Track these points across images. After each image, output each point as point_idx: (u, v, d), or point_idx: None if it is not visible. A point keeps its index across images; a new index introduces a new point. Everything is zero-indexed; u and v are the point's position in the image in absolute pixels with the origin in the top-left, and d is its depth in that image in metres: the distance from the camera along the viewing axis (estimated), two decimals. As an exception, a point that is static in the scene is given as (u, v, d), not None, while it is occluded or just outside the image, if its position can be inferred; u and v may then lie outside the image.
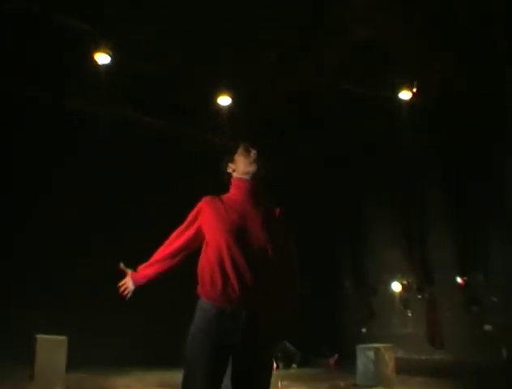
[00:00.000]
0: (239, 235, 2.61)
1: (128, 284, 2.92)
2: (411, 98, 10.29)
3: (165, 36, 8.66)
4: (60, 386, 7.40)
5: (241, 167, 2.85)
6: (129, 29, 8.36)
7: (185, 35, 8.63)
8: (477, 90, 9.85)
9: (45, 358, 7.67)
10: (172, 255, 2.82)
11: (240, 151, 2.89)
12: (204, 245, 2.74)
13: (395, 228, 13.27)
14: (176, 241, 2.82)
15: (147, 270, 2.87)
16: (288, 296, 2.77)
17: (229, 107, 10.14)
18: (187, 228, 2.81)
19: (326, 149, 12.43)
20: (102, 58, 8.51)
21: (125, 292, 2.93)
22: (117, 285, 2.96)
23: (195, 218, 2.79)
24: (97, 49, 8.43)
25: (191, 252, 2.87)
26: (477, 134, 11.16)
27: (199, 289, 2.64)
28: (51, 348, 7.86)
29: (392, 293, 13.41)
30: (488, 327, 11.59)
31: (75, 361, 8.19)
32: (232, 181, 2.88)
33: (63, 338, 8.04)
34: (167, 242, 2.86)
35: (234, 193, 2.83)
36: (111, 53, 8.51)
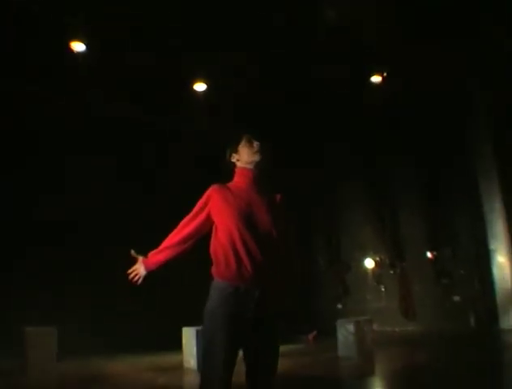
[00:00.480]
0: (247, 220, 2.83)
1: (139, 270, 3.06)
2: (382, 81, 10.68)
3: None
4: (53, 377, 7.50)
5: (244, 157, 3.05)
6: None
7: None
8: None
9: (36, 350, 7.78)
10: (183, 241, 2.99)
11: (243, 142, 3.09)
12: (214, 230, 2.94)
13: (368, 207, 13.66)
14: (186, 227, 2.99)
15: (159, 256, 3.02)
16: (291, 275, 3.02)
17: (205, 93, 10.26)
18: (197, 214, 2.98)
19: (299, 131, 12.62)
20: (79, 47, 8.53)
21: (136, 278, 3.08)
22: (127, 272, 3.09)
23: (205, 205, 2.96)
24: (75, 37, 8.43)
25: (200, 237, 3.06)
26: (447, 115, 11.60)
27: (214, 270, 2.85)
28: (41, 339, 7.96)
29: (365, 270, 13.85)
30: (456, 298, 12.18)
31: (68, 351, 8.34)
32: (237, 170, 3.08)
33: (52, 329, 8.15)
34: (177, 229, 3.02)
35: (239, 181, 3.03)
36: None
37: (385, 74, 10.32)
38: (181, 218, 3.04)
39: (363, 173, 13.81)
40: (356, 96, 11.24)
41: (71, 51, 8.62)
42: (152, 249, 3.08)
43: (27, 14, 7.92)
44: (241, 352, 2.81)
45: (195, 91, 10.27)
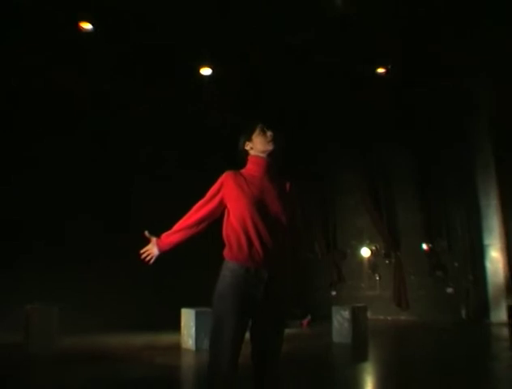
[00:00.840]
0: (259, 206, 2.95)
1: (152, 250, 3.16)
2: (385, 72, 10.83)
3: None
4: (52, 353, 7.65)
5: (258, 146, 3.16)
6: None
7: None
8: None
9: (37, 328, 7.92)
10: (196, 224, 3.09)
11: (257, 131, 3.19)
12: (226, 214, 3.06)
13: (365, 197, 13.77)
14: (199, 211, 3.09)
15: (172, 237, 3.12)
16: (298, 258, 3.15)
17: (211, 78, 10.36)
18: (211, 199, 3.08)
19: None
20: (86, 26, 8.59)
21: (148, 258, 3.18)
22: (140, 251, 3.19)
23: (218, 190, 3.07)
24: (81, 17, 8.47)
25: (213, 221, 3.17)
26: (448, 109, 11.71)
27: (226, 253, 2.98)
28: (42, 317, 8.08)
29: (361, 258, 14.02)
30: (449, 290, 12.37)
31: (68, 329, 8.48)
32: (250, 158, 3.19)
33: (53, 307, 8.27)
34: (190, 212, 3.13)
35: (252, 168, 3.14)
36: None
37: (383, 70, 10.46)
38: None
39: (361, 163, 13.90)
40: (356, 88, 11.34)
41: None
42: (156, 234, 3.17)
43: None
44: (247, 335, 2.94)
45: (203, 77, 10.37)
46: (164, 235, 3.17)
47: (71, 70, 9.64)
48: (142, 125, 11.01)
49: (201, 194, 3.18)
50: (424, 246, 12.78)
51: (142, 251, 3.21)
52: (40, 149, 9.94)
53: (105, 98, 10.48)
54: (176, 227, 3.14)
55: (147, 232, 3.23)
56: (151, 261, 3.20)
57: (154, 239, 3.18)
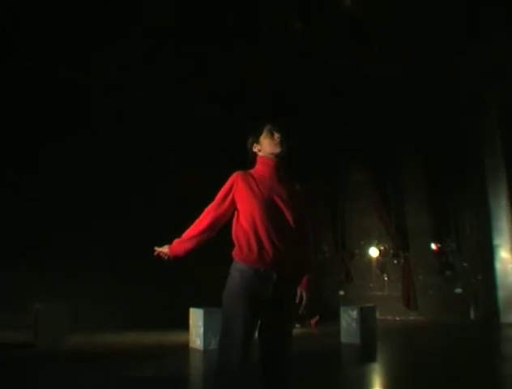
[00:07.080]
0: (269, 207, 2.96)
1: (164, 251, 3.17)
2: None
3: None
4: (61, 351, 7.74)
5: (266, 148, 3.17)
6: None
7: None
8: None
9: (47, 326, 8.07)
10: (209, 228, 3.06)
11: (264, 133, 3.19)
12: (236, 215, 3.05)
13: (374, 196, 13.72)
14: (211, 213, 3.06)
15: (185, 244, 3.08)
16: (307, 260, 3.15)
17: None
18: (223, 200, 3.06)
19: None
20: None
21: (156, 253, 3.20)
22: (154, 248, 3.20)
23: (229, 191, 3.06)
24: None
25: (224, 224, 3.16)
26: (460, 109, 11.67)
27: (236, 253, 2.98)
28: (51, 316, 8.20)
29: (369, 258, 13.99)
30: (458, 290, 12.33)
31: (76, 328, 8.61)
32: (259, 159, 3.19)
33: (62, 306, 8.39)
34: (202, 216, 3.09)
35: (261, 169, 3.15)
36: None
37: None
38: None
39: (370, 163, 13.85)
40: (363, 89, 11.33)
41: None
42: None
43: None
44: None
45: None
46: (175, 242, 3.14)
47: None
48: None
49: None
50: (433, 246, 12.74)
51: (156, 252, 3.22)
52: (41, 150, 10.00)
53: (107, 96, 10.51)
54: (188, 233, 3.11)
55: (156, 248, 3.22)
56: (155, 253, 3.21)
57: (166, 246, 3.17)
